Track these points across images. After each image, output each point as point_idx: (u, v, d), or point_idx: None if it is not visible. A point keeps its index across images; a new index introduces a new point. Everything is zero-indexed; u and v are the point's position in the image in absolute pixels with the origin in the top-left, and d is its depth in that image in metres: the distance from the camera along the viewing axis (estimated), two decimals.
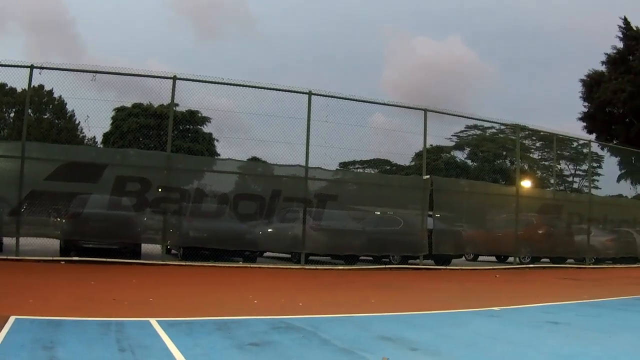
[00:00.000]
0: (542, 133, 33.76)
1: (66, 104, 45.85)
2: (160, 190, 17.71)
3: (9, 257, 15.59)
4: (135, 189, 17.37)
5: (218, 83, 18.40)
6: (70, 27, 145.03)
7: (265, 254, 21.75)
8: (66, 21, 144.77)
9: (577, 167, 48.53)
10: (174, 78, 17.76)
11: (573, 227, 26.18)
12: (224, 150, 32.69)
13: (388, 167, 42.39)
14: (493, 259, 25.59)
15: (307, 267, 18.45)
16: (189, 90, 19.04)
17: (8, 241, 16.85)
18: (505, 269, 22.59)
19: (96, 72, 17.13)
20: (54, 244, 17.22)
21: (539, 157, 50.99)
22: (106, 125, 29.68)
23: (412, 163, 35.07)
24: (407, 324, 8.49)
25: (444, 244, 21.46)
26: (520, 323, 9.20)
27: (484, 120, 28.19)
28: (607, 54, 43.63)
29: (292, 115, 18.52)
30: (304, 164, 18.76)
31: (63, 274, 13.77)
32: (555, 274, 20.87)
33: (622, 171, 36.53)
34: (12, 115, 51.26)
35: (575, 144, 40.39)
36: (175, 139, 21.13)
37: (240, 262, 18.70)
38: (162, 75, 17.98)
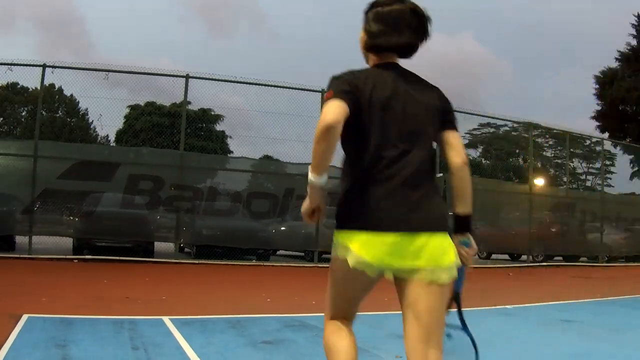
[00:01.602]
0: (555, 131, 33.62)
1: (78, 102, 46.06)
2: (173, 188, 17.73)
3: (21, 256, 15.64)
4: (148, 187, 17.41)
5: (230, 81, 18.42)
6: (80, 25, 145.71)
7: (278, 252, 21.77)
8: (76, 19, 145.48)
9: (590, 165, 48.35)
10: (187, 77, 17.76)
11: (586, 225, 26.10)
12: (237, 148, 32.83)
13: None
14: (506, 257, 25.51)
15: (320, 265, 18.38)
16: (201, 89, 19.07)
17: (21, 240, 16.91)
18: (518, 267, 22.50)
19: (109, 71, 17.16)
20: (67, 242, 17.26)
21: (552, 155, 50.83)
22: (119, 124, 29.70)
23: None
24: None
25: None
26: (533, 321, 9.17)
27: (496, 118, 27.99)
28: (620, 51, 43.48)
29: (305, 114, 18.47)
30: None
31: (76, 273, 13.80)
32: (568, 272, 20.79)
33: (635, 169, 36.39)
34: (24, 114, 51.45)
35: (588, 141, 40.22)
36: (188, 137, 21.12)
37: (253, 261, 18.71)
38: (175, 73, 18.00)
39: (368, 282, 3.11)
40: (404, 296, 3.02)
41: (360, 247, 2.90)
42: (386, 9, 3.10)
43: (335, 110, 2.84)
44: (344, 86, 2.94)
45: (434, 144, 3.15)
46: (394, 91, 3.01)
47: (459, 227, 3.25)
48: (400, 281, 3.01)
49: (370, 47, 3.19)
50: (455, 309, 3.37)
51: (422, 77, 3.19)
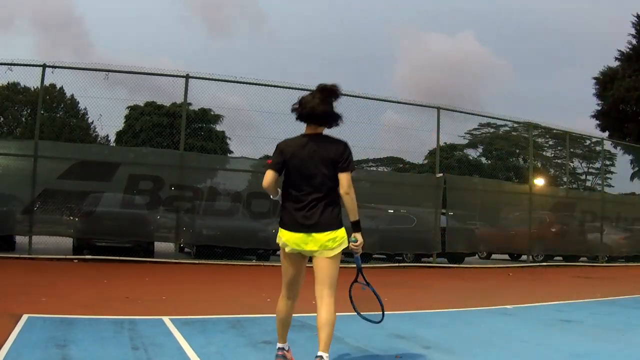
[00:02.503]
0: (555, 131, 33.59)
1: (78, 102, 45.96)
2: (173, 188, 17.67)
3: (21, 256, 15.64)
4: (148, 187, 17.35)
5: (230, 81, 18.34)
6: (79, 25, 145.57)
7: (278, 252, 21.70)
8: (75, 19, 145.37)
9: (590, 165, 48.32)
10: (187, 77, 17.72)
11: (586, 225, 26.07)
12: (236, 148, 32.74)
13: (401, 165, 42.11)
14: (506, 257, 25.50)
15: None
16: (201, 89, 19.00)
17: (21, 240, 16.90)
18: (518, 267, 22.49)
19: (108, 71, 17.11)
20: (67, 242, 17.23)
21: (552, 155, 50.81)
22: (119, 124, 29.69)
23: (425, 161, 34.98)
24: (420, 322, 8.46)
25: (457, 242, 21.37)
26: (533, 321, 9.17)
27: (497, 118, 27.91)
28: (620, 50, 43.46)
29: None
30: None
31: (76, 273, 13.78)
32: (568, 272, 20.79)
33: (636, 169, 36.36)
34: (24, 114, 51.38)
35: (588, 141, 40.19)
36: (188, 137, 21.06)
37: (253, 261, 18.69)
38: (175, 73, 17.95)
39: (296, 261, 5.59)
40: (314, 265, 5.49)
41: (286, 239, 5.42)
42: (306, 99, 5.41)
43: (268, 178, 5.41)
44: (276, 156, 5.42)
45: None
46: (304, 154, 5.32)
47: (352, 228, 5.43)
48: (311, 258, 5.48)
49: (304, 121, 5.46)
50: (362, 278, 5.96)
51: (332, 139, 5.45)
